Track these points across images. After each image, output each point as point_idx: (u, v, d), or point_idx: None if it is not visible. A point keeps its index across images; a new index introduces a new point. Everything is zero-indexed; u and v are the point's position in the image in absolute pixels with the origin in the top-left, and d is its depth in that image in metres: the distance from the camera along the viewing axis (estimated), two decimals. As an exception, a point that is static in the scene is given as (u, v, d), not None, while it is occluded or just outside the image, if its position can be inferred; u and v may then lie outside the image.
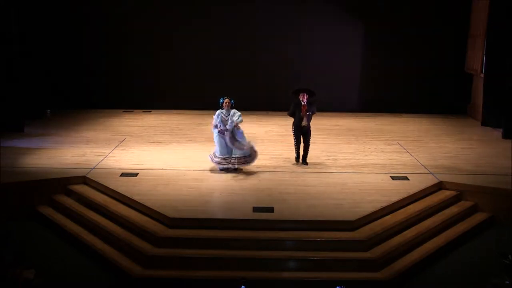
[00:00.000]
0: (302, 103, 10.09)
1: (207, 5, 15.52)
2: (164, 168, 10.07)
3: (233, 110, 9.85)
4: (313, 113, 10.25)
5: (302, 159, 10.42)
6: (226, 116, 9.79)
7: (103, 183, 9.17)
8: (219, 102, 9.88)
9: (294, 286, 7.22)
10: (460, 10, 15.35)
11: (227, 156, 9.84)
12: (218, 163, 9.90)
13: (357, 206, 8.30)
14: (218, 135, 9.81)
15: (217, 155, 9.91)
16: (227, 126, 9.71)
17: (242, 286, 6.40)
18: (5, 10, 12.21)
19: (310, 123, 10.28)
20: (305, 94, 10.13)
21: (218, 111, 9.88)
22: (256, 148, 10.03)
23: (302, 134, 10.29)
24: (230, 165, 9.83)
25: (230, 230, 7.74)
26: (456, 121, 14.64)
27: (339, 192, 8.96)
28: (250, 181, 9.45)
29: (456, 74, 15.62)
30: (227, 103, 9.81)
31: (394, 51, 15.58)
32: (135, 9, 15.56)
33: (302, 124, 10.16)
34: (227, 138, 9.72)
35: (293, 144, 10.43)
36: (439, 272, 7.63)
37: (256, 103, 15.07)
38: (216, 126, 9.81)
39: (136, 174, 9.65)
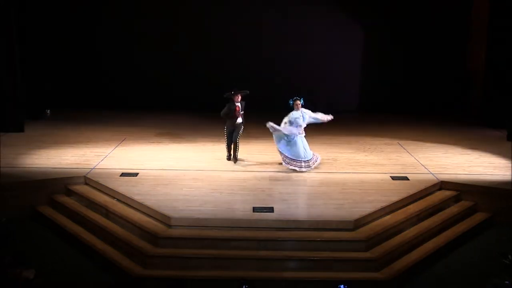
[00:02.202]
0: (237, 104, 10.21)
1: (208, 6, 15.54)
2: (164, 168, 10.07)
3: (306, 110, 9.85)
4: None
5: (233, 157, 10.50)
6: (297, 117, 9.76)
7: (103, 183, 9.17)
8: (289, 103, 9.85)
9: (294, 286, 7.22)
10: (461, 9, 15.36)
11: (299, 159, 9.83)
12: (290, 164, 9.87)
13: (357, 206, 8.30)
14: (295, 137, 9.77)
15: (289, 156, 9.85)
16: (299, 126, 9.75)
17: (245, 286, 6.38)
18: (6, 10, 12.21)
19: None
20: (239, 95, 10.27)
21: (292, 114, 9.78)
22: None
23: (232, 131, 10.40)
24: (302, 168, 9.84)
25: (230, 230, 7.75)
26: (456, 121, 14.63)
27: (339, 192, 8.96)
28: (250, 181, 9.44)
29: (456, 74, 15.63)
30: (298, 105, 9.78)
31: (394, 51, 15.59)
32: (135, 9, 15.57)
33: (237, 123, 10.30)
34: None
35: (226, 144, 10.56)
36: (439, 272, 7.63)
37: (256, 102, 15.06)
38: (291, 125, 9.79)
39: (136, 174, 9.65)
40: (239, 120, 10.33)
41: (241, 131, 10.46)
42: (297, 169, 9.83)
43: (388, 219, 8.20)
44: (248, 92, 10.42)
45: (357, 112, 15.92)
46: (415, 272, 7.53)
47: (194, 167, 10.15)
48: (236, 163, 10.44)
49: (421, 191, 9.10)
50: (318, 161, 10.12)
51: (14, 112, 12.54)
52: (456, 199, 9.32)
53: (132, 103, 15.64)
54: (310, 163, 9.94)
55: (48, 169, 9.97)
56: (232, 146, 10.48)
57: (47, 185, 9.38)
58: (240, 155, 10.84)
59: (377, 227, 7.93)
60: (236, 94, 10.26)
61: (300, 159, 9.84)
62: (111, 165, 10.26)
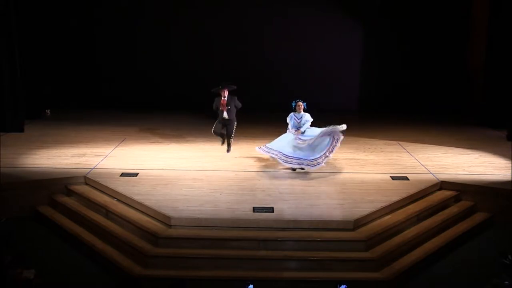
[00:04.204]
0: (222, 98, 10.31)
1: (208, 6, 15.56)
2: (164, 168, 10.07)
3: (306, 114, 9.83)
4: (237, 106, 10.44)
5: (227, 147, 10.69)
6: (298, 119, 9.81)
7: (103, 183, 9.17)
8: (292, 105, 9.89)
9: (294, 286, 7.22)
10: (461, 9, 15.37)
11: (292, 156, 9.77)
12: (284, 161, 9.79)
13: (357, 206, 8.29)
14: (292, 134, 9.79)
15: (284, 153, 9.78)
16: (301, 129, 9.77)
17: (250, 286, 6.39)
18: (6, 10, 12.20)
19: (235, 116, 10.48)
20: (226, 90, 10.33)
21: (291, 114, 9.89)
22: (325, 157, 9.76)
23: (224, 126, 10.50)
24: (293, 165, 9.82)
25: (230, 230, 7.74)
26: (456, 121, 14.63)
27: (339, 192, 8.96)
28: (250, 181, 9.44)
29: (456, 74, 15.63)
30: (300, 106, 9.81)
31: (394, 51, 15.60)
32: (135, 9, 15.59)
33: (224, 117, 10.38)
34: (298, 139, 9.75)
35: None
36: (439, 272, 7.63)
37: (256, 102, 15.12)
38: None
39: (136, 174, 9.65)
40: (225, 114, 10.35)
41: (233, 129, 10.52)
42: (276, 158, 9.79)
43: (388, 219, 8.20)
44: (235, 87, 10.44)
45: (357, 112, 15.92)
46: (415, 272, 7.53)
47: (194, 167, 10.15)
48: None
49: (421, 191, 9.10)
50: (314, 167, 9.74)
51: (14, 112, 12.54)
52: (456, 199, 9.31)
53: (132, 103, 15.64)
54: (300, 161, 9.74)
55: (48, 169, 9.97)
56: (226, 140, 10.67)
57: (47, 185, 9.37)
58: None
59: (377, 227, 7.93)
60: (223, 89, 10.33)
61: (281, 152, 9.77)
62: (111, 165, 10.25)
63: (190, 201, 8.44)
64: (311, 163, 9.67)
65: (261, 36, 15.69)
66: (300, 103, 9.83)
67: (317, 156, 9.65)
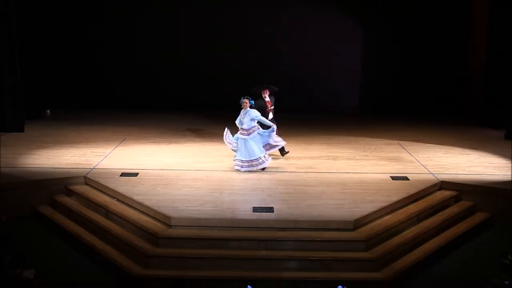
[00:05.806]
0: (266, 99, 10.33)
1: (209, 5, 15.56)
2: (164, 168, 10.07)
3: (250, 110, 9.75)
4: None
5: (282, 152, 10.69)
6: (243, 115, 9.75)
7: (103, 183, 9.17)
8: (239, 101, 9.84)
9: (294, 286, 7.21)
10: (461, 9, 15.38)
11: (244, 159, 9.78)
12: (239, 165, 9.81)
13: (357, 206, 8.29)
14: (239, 138, 9.75)
15: (237, 157, 9.83)
16: (244, 126, 9.70)
17: (248, 286, 6.39)
18: (6, 10, 12.21)
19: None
20: (267, 90, 10.41)
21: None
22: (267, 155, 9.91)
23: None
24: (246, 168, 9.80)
25: (230, 230, 7.75)
26: (456, 121, 14.63)
27: (339, 192, 8.96)
28: (250, 181, 9.44)
29: (456, 74, 15.64)
30: (245, 103, 9.74)
31: (395, 51, 15.60)
32: (135, 8, 15.60)
33: (270, 119, 10.35)
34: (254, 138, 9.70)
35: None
36: (439, 272, 7.63)
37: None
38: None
39: (136, 174, 9.65)
40: (271, 115, 10.39)
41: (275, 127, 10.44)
42: (238, 168, 9.79)
43: (388, 219, 8.20)
44: (276, 89, 10.45)
45: (357, 112, 15.93)
46: (415, 272, 7.53)
47: (194, 167, 10.15)
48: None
49: (421, 191, 9.10)
50: (265, 164, 9.84)
51: (14, 112, 12.54)
52: (456, 199, 9.32)
53: (132, 103, 15.65)
54: (253, 163, 9.77)
55: (48, 169, 9.97)
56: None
57: (47, 185, 9.38)
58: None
59: (377, 227, 7.93)
60: (265, 89, 10.39)
61: (242, 159, 9.78)
62: (111, 165, 10.26)
63: (190, 201, 8.44)
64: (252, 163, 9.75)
65: (262, 37, 15.68)
66: (246, 100, 9.73)
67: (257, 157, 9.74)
